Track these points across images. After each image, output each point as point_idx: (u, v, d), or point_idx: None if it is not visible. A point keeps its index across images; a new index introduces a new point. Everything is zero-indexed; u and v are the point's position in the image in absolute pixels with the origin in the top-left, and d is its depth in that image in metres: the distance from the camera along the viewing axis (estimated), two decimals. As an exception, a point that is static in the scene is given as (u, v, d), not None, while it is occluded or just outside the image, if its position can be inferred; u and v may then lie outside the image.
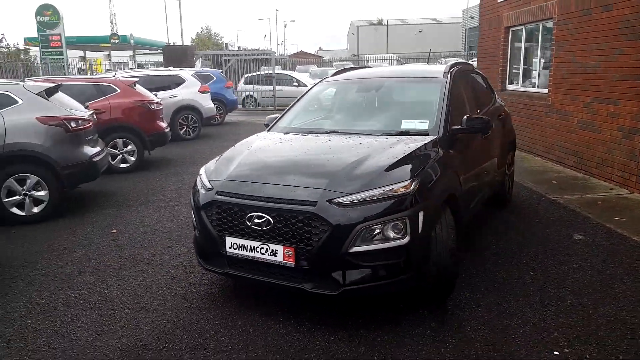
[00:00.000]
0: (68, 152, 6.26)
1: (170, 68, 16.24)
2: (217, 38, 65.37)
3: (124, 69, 30.38)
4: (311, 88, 5.39)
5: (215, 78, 16.02)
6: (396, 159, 3.58)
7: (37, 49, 25.01)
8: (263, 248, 3.38)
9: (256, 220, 3.38)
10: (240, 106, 21.33)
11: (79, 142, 6.43)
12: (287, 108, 5.17)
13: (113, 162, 8.82)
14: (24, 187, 6.04)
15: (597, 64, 7.20)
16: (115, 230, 5.68)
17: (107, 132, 8.67)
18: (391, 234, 3.21)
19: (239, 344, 3.28)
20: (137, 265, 4.64)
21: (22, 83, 6.59)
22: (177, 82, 13.12)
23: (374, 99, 5.03)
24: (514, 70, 10.43)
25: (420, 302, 3.69)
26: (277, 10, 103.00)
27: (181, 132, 12.86)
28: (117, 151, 8.99)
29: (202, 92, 13.38)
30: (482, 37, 11.90)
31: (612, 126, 6.89)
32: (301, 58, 47.39)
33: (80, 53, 35.43)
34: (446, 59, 33.40)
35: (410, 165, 3.54)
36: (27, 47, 35.61)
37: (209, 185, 3.74)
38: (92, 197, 7.22)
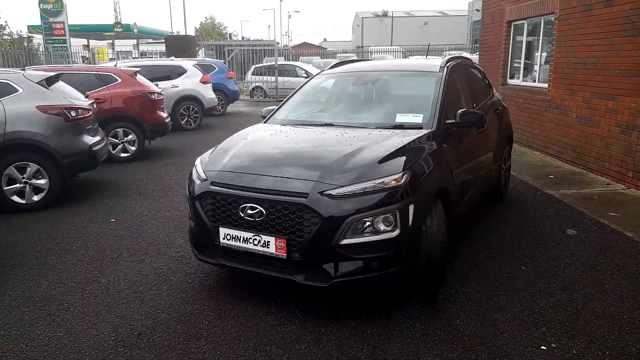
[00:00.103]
0: (68, 141, 6.31)
1: (172, 58, 16.24)
2: (221, 28, 65.30)
3: (127, 58, 30.39)
4: (308, 80, 5.41)
5: (217, 68, 16.01)
6: (388, 152, 3.61)
7: (41, 36, 25.01)
8: (256, 239, 3.43)
9: (249, 212, 3.42)
10: (248, 97, 21.39)
11: (78, 131, 6.48)
12: (284, 100, 5.20)
13: (114, 152, 8.89)
14: (24, 175, 6.10)
15: (597, 60, 7.19)
16: (114, 220, 5.73)
17: (108, 122, 8.73)
18: (381, 227, 3.25)
19: (231, 335, 3.33)
20: (135, 255, 4.70)
21: (23, 72, 6.63)
22: (179, 72, 13.12)
23: (370, 92, 5.05)
24: (515, 65, 10.41)
25: (412, 295, 3.73)
26: (281, 0, 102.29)
27: (182, 122, 12.89)
28: (117, 140, 9.05)
29: (204, 82, 13.39)
30: (484, 30, 11.87)
31: (610, 122, 6.90)
32: (305, 49, 47.25)
33: (84, 41, 35.38)
34: (450, 52, 33.27)
35: (402, 159, 3.56)
36: (30, 34, 35.58)
37: (203, 176, 3.78)
38: (92, 186, 7.27)
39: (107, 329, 3.43)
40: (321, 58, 33.11)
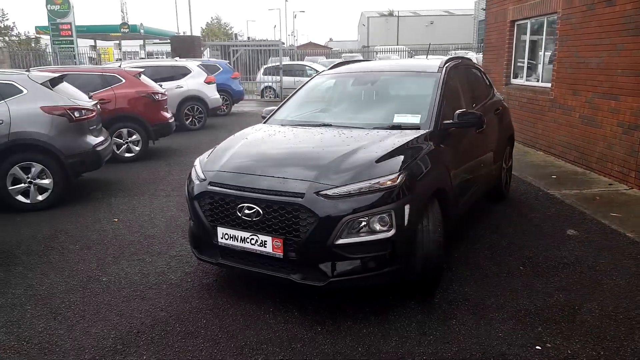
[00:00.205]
0: (71, 141, 6.38)
1: (177, 58, 16.32)
2: (227, 28, 65.41)
3: (134, 59, 30.54)
4: (308, 81, 5.44)
5: (221, 69, 16.09)
6: (385, 153, 3.63)
7: (49, 37, 25.18)
8: (253, 239, 3.46)
9: (246, 211, 3.45)
10: (259, 97, 21.45)
11: (82, 132, 6.54)
12: (284, 100, 5.23)
13: (118, 152, 8.96)
14: (29, 175, 6.18)
15: (599, 59, 7.17)
16: (117, 220, 5.79)
17: (112, 122, 8.81)
18: (377, 227, 3.27)
19: (228, 333, 3.37)
20: (136, 254, 4.75)
21: (27, 73, 6.70)
22: (183, 72, 13.21)
23: (368, 92, 5.07)
24: (519, 64, 10.39)
25: (409, 295, 3.75)
26: (286, 0, 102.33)
27: (187, 122, 12.96)
28: (121, 141, 9.12)
29: (208, 82, 13.47)
30: (488, 30, 11.85)
31: (613, 122, 6.88)
32: (310, 49, 47.23)
33: (91, 42, 35.56)
34: (456, 52, 33.20)
35: (398, 159, 3.58)
36: (38, 35, 35.83)
37: (202, 176, 3.82)
38: (96, 186, 7.34)
39: (106, 327, 3.47)
40: (326, 58, 33.14)
